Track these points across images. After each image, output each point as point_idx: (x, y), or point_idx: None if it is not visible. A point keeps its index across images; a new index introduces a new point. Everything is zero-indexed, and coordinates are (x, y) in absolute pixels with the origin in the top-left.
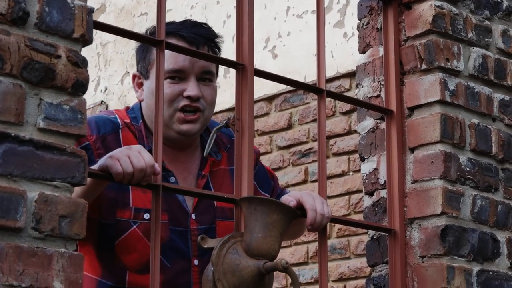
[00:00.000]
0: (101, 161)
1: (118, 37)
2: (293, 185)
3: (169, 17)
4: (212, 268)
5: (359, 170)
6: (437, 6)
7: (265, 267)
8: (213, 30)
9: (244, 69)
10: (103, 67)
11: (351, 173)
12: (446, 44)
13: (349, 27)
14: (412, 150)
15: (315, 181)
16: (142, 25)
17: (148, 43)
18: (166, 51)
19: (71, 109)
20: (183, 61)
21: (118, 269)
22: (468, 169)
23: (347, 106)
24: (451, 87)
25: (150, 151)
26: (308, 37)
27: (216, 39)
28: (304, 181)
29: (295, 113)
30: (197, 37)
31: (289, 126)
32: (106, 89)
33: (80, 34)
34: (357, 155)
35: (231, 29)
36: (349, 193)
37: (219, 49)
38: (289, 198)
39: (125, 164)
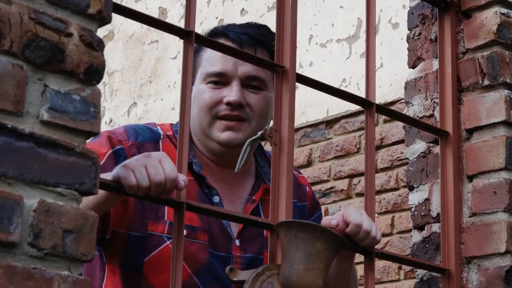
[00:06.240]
0: (114, 170)
1: (126, 66)
2: None
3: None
4: None
5: (384, 212)
6: (503, 14)
7: None
8: (269, 33)
9: (285, 72)
10: (109, 97)
11: (376, 215)
12: None
13: (377, 57)
14: (471, 178)
15: None
16: (152, 53)
17: (175, 34)
18: (210, 53)
19: (82, 100)
20: (224, 63)
21: None
22: None
23: None
24: None
25: (189, 164)
26: (332, 68)
27: (268, 41)
28: None
29: (316, 149)
30: (243, 37)
31: (309, 163)
32: (111, 121)
33: (96, 10)
34: (383, 196)
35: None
36: None
37: (273, 54)
38: (328, 218)
39: (140, 176)
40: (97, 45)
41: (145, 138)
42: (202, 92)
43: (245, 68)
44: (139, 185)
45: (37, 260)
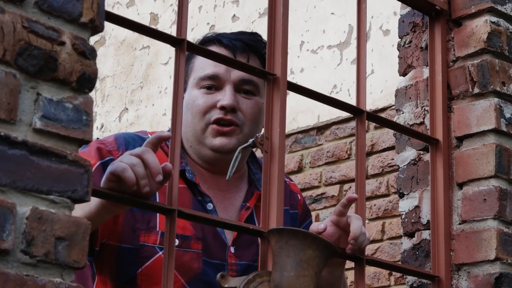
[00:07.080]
0: (102, 180)
1: (118, 71)
2: None
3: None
4: None
5: (375, 218)
6: (493, 23)
7: None
8: (261, 40)
9: (276, 80)
10: (100, 103)
11: (367, 221)
12: (502, 65)
13: (368, 64)
14: (461, 185)
15: None
16: (143, 59)
17: (167, 42)
18: (202, 59)
19: (74, 108)
20: (216, 67)
21: None
22: None
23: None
24: (507, 115)
25: (182, 171)
26: (323, 74)
27: (260, 48)
28: None
29: (307, 155)
30: (236, 43)
31: (300, 169)
32: (102, 126)
33: (89, 18)
34: (374, 202)
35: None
36: None
37: (264, 61)
38: (316, 223)
39: (129, 159)
40: (90, 54)
41: (136, 147)
42: (196, 98)
43: (238, 72)
44: (130, 166)
45: (29, 267)
